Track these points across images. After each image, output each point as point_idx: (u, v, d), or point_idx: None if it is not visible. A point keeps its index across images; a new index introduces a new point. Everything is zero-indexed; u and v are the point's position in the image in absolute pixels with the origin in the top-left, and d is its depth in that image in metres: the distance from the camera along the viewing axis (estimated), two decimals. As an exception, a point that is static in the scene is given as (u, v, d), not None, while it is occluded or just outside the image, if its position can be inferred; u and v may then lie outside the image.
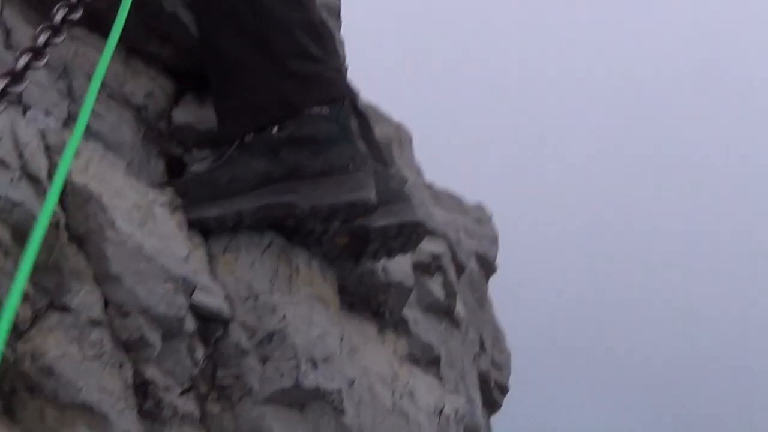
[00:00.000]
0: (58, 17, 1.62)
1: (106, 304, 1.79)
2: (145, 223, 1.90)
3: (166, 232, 1.95)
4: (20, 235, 1.64)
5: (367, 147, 2.35)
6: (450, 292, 3.01)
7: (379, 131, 2.82)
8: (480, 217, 3.83)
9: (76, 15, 1.67)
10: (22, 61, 1.55)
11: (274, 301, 2.10)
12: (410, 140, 3.55)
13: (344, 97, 2.29)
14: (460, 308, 3.14)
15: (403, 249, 2.42)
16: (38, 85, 1.99)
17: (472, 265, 3.54)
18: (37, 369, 1.65)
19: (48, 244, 1.72)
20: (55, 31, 1.75)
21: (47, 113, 1.99)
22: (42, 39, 1.62)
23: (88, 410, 1.69)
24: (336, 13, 3.00)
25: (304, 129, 2.20)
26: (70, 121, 2.07)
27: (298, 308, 2.14)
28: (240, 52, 2.24)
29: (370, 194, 2.20)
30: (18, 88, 1.53)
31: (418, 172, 3.60)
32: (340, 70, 2.37)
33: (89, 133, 2.09)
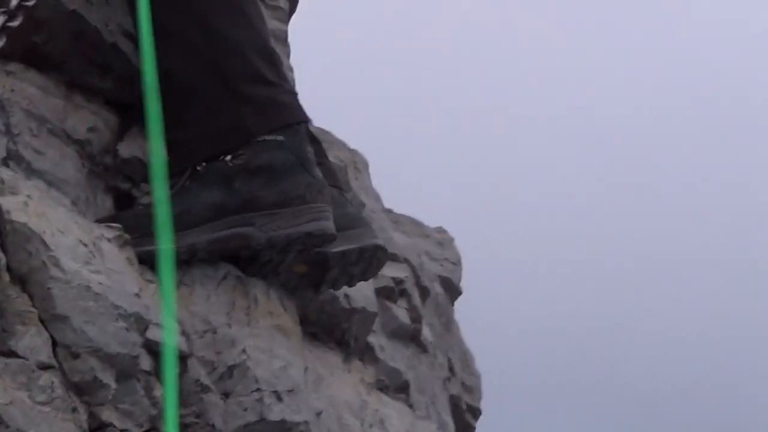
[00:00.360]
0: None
1: (55, 346, 1.71)
2: (92, 260, 1.83)
3: (114, 269, 1.87)
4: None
5: (323, 173, 2.29)
6: (415, 317, 2.94)
7: (333, 156, 2.76)
8: (442, 240, 3.77)
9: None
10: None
11: (233, 334, 2.03)
12: (366, 166, 3.49)
13: (300, 122, 2.23)
14: (426, 332, 3.07)
15: (364, 275, 2.35)
16: (-27, 122, 1.92)
17: (437, 288, 3.48)
18: (-16, 418, 1.57)
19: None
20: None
21: (-16, 152, 1.92)
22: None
23: (40, 459, 1.60)
24: (283, 39, 2.95)
25: (258, 158, 2.14)
26: (8, 159, 2.00)
27: (259, 340, 2.07)
28: (190, 77, 2.18)
29: (329, 224, 2.14)
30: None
31: (377, 198, 3.54)
32: (294, 94, 2.31)
33: (30, 170, 2.02)
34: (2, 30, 1.97)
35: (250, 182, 2.12)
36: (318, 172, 2.21)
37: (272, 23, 2.87)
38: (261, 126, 2.16)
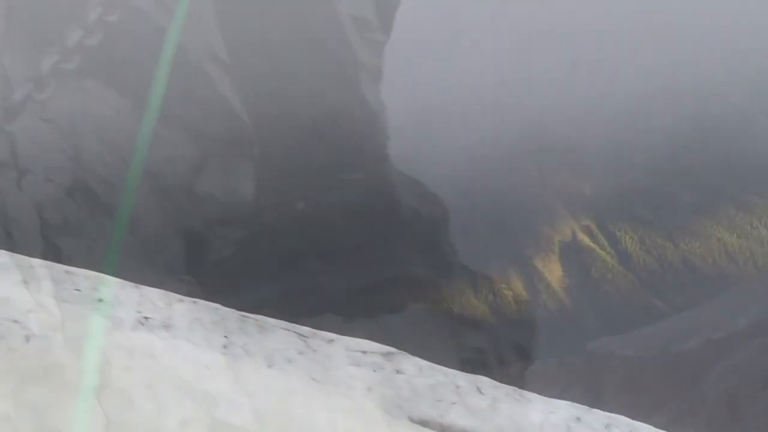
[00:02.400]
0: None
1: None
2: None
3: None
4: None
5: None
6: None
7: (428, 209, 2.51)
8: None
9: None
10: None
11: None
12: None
13: (380, 162, 2.39)
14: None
15: None
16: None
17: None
18: None
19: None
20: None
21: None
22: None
23: None
24: (375, 75, 2.68)
25: (332, 198, 2.37)
26: (75, 190, 2.20)
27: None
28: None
29: (416, 268, 2.25)
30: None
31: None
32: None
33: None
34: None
35: (323, 226, 2.25)
36: (405, 211, 2.23)
37: (366, 57, 2.87)
38: (340, 169, 2.30)
